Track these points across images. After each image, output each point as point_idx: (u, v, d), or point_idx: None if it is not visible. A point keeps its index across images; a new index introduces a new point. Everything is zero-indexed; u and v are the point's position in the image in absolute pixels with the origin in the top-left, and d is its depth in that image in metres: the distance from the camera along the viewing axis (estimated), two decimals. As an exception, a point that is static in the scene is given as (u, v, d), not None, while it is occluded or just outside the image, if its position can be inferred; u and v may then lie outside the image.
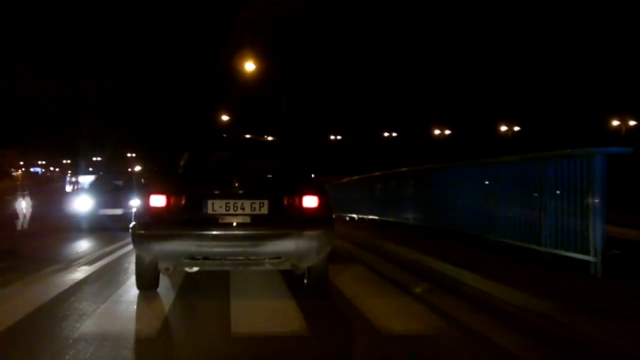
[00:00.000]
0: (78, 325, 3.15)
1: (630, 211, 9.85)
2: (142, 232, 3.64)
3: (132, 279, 4.30)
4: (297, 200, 3.72)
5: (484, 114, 37.05)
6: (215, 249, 3.64)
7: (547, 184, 4.63)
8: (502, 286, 3.82)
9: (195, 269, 3.87)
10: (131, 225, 3.75)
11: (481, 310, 3.55)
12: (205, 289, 4.35)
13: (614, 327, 2.88)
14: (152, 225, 3.62)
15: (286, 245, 3.62)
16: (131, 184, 10.90)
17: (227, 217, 3.65)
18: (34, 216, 10.25)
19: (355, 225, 10.17)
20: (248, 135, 5.16)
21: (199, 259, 3.69)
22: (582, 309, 3.15)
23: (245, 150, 4.70)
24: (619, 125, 32.38)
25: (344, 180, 13.61)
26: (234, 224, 3.66)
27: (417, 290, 4.24)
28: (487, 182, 5.94)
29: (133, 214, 4.07)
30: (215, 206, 3.66)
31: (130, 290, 4.21)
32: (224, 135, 5.52)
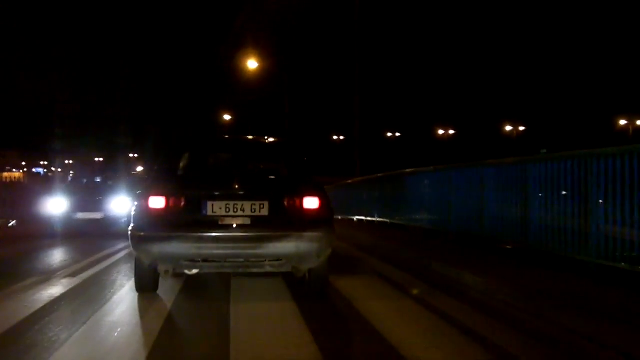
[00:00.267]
0: (46, 357, 2.62)
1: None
2: (141, 234, 3.61)
3: (118, 295, 3.93)
4: (297, 201, 3.71)
5: (488, 114, 36.59)
6: (215, 251, 3.61)
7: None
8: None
9: (195, 271, 3.83)
10: (130, 227, 3.72)
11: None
12: (203, 312, 3.58)
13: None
14: (151, 227, 3.60)
15: (287, 247, 3.60)
16: (118, 183, 9.76)
17: (227, 218, 3.62)
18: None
19: (369, 230, 9.45)
20: (248, 136, 5.14)
21: (198, 261, 3.66)
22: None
23: (245, 151, 4.65)
24: (626, 125, 31.85)
25: (350, 181, 13.08)
26: (234, 225, 3.62)
27: None
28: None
29: (131, 216, 3.83)
30: (215, 207, 3.62)
31: (115, 309, 3.64)
32: (224, 137, 5.49)
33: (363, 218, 11.30)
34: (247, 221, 3.63)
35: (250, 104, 29.11)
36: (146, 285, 3.88)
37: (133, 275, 4.04)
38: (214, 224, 3.59)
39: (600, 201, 3.97)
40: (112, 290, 4.23)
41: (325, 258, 3.83)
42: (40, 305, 3.71)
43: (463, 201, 6.44)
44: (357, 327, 3.22)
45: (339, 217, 12.72)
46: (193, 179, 4.12)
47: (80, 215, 8.57)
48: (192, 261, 3.65)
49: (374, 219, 10.47)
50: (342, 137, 40.67)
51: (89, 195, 9.10)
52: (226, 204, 3.61)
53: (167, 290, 4.11)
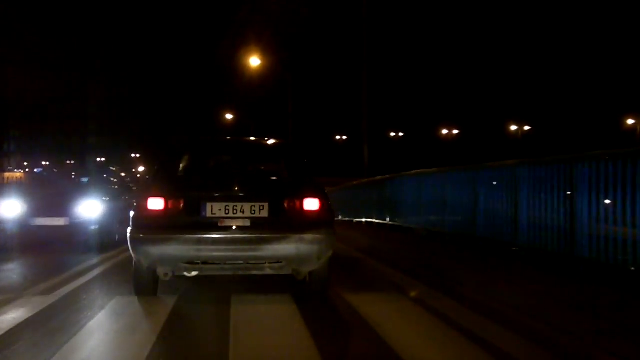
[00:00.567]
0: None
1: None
2: (140, 236, 3.62)
3: (94, 322, 3.30)
4: (297, 203, 3.72)
5: (493, 113, 36.47)
6: (215, 253, 3.62)
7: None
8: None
9: (194, 273, 3.83)
10: (128, 230, 3.72)
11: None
12: (197, 342, 3.03)
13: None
14: (150, 229, 3.60)
15: (287, 249, 3.61)
16: (96, 182, 8.00)
17: (226, 220, 3.62)
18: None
19: (383, 236, 8.75)
20: (248, 137, 5.16)
21: (198, 263, 3.67)
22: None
23: (246, 152, 4.68)
24: (634, 124, 31.67)
25: (355, 182, 12.84)
26: (234, 227, 3.63)
27: None
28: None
29: (130, 218, 3.78)
30: (214, 209, 3.63)
31: (89, 340, 2.97)
32: (224, 138, 5.53)
33: (374, 220, 10.75)
34: (247, 223, 3.63)
35: (253, 103, 29.17)
36: (145, 288, 3.87)
37: (109, 301, 3.75)
38: (213, 225, 3.60)
39: None
40: (84, 316, 3.46)
41: (326, 260, 3.82)
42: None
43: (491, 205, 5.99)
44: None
45: (354, 220, 12.15)
46: (192, 181, 4.14)
47: (39, 222, 6.67)
48: (192, 263, 3.65)
49: (384, 221, 9.99)
50: (344, 137, 40.65)
51: (52, 196, 7.17)
52: (225, 206, 3.62)
53: (154, 314, 3.48)
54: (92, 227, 6.76)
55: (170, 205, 3.61)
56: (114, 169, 9.87)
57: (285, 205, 3.71)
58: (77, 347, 2.84)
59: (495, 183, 6.06)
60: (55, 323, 3.29)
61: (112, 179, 9.15)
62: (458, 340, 2.97)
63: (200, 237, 3.57)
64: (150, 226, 3.60)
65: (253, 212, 3.64)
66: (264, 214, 3.65)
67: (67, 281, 4.65)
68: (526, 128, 35.65)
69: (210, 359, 2.71)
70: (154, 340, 2.92)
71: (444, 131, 38.81)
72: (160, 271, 3.75)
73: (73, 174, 9.29)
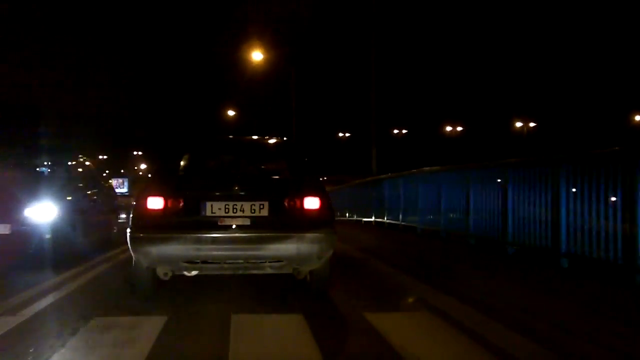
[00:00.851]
0: None
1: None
2: (139, 235, 3.61)
3: (66, 349, 2.79)
4: (298, 202, 3.70)
5: (498, 109, 36.45)
6: (215, 252, 3.61)
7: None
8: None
9: (194, 273, 3.81)
10: (128, 229, 3.71)
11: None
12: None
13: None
14: (149, 228, 3.60)
15: (287, 248, 3.60)
16: (52, 178, 6.48)
17: (226, 219, 3.62)
18: None
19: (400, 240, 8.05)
20: (248, 136, 5.16)
21: (197, 263, 3.66)
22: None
23: (246, 151, 4.68)
24: (640, 121, 31.54)
25: (368, 179, 11.94)
26: (234, 226, 3.62)
27: None
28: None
29: (130, 218, 3.72)
30: (214, 208, 3.63)
31: None
32: (224, 137, 5.54)
33: (384, 220, 10.06)
34: (247, 222, 3.63)
35: (256, 100, 29.34)
36: (145, 288, 3.87)
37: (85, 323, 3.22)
38: (213, 224, 3.60)
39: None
40: (55, 342, 2.86)
41: (327, 259, 3.83)
42: None
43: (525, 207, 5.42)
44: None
45: (362, 220, 11.55)
46: (192, 179, 4.13)
47: None
48: (191, 262, 3.64)
49: (397, 222, 9.39)
50: (347, 134, 40.77)
51: None
52: (225, 205, 3.61)
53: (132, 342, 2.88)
54: (43, 235, 5.26)
55: (169, 204, 3.60)
56: (82, 158, 7.56)
57: (286, 204, 3.70)
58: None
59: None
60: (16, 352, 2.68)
61: (79, 172, 7.19)
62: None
63: (200, 236, 3.56)
64: (150, 225, 3.60)
65: (253, 211, 3.64)
66: (264, 213, 3.65)
67: (30, 302, 3.80)
68: (532, 125, 35.62)
69: None
70: None
71: (448, 128, 38.84)
72: (160, 271, 3.74)
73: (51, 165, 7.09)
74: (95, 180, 7.70)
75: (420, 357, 2.65)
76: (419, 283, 4.52)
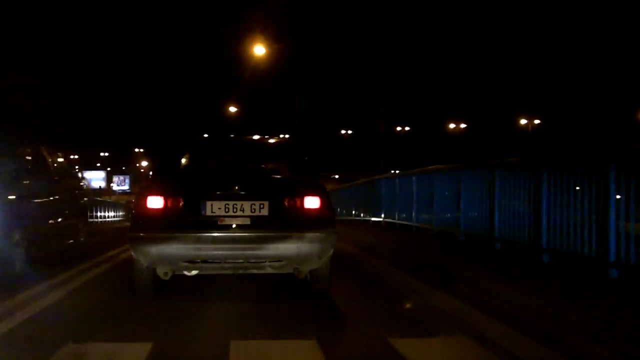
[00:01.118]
0: None
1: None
2: (139, 234, 3.63)
3: None
4: (298, 201, 3.72)
5: (502, 106, 35.98)
6: (215, 252, 3.63)
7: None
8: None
9: (194, 272, 3.83)
10: (128, 228, 3.74)
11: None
12: None
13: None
14: (149, 228, 3.61)
15: (287, 247, 3.62)
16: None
17: (226, 218, 3.62)
18: None
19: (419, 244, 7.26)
20: (248, 136, 5.19)
21: (197, 262, 3.67)
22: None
23: (246, 151, 4.70)
24: (648, 119, 31.05)
25: (376, 177, 11.18)
26: (234, 225, 3.63)
27: None
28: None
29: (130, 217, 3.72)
30: (214, 207, 3.62)
31: None
32: (225, 136, 5.57)
33: (395, 221, 9.46)
34: (247, 221, 3.64)
35: (258, 95, 28.87)
36: (145, 288, 3.89)
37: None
38: (213, 224, 3.60)
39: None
40: None
41: (327, 259, 3.84)
42: None
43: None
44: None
45: (371, 220, 10.83)
46: (192, 179, 4.15)
47: None
48: (191, 262, 3.66)
49: (409, 222, 8.78)
50: (349, 132, 40.34)
51: None
52: (225, 204, 3.61)
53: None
54: None
55: (169, 204, 3.62)
56: (42, 148, 5.75)
57: (286, 203, 3.72)
58: None
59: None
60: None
61: (28, 164, 5.50)
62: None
63: (200, 236, 3.57)
64: (150, 225, 3.62)
65: (253, 210, 3.64)
66: (264, 212, 3.66)
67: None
68: (536, 122, 35.08)
69: None
70: None
71: (451, 125, 38.36)
72: (160, 270, 3.76)
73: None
74: (57, 174, 6.11)
75: None
76: (449, 298, 3.92)
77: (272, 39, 17.22)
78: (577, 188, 4.41)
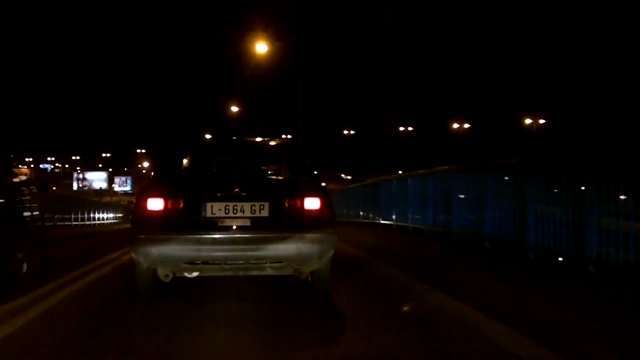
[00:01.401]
0: None
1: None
2: (140, 236, 3.65)
3: None
4: (298, 202, 3.75)
5: (506, 106, 35.89)
6: (215, 253, 3.65)
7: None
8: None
9: (195, 274, 3.86)
10: (129, 230, 3.78)
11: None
12: None
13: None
14: (149, 229, 3.64)
15: (287, 248, 3.64)
16: None
17: (226, 220, 3.64)
18: None
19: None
20: (249, 137, 5.21)
21: (198, 264, 3.71)
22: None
23: (246, 152, 4.73)
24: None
25: (384, 178, 10.81)
26: (234, 227, 3.66)
27: None
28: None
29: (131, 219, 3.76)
30: (214, 209, 3.65)
31: None
32: (225, 138, 5.61)
33: (408, 225, 8.83)
34: (247, 222, 3.66)
35: (260, 94, 28.87)
36: (146, 290, 3.91)
37: None
38: (213, 225, 3.62)
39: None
40: None
41: (328, 260, 3.86)
42: None
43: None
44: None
45: (380, 222, 10.33)
46: (192, 180, 4.18)
47: None
48: (192, 263, 3.69)
49: (424, 226, 8.07)
50: (352, 132, 40.34)
51: None
52: (226, 205, 3.64)
53: None
54: None
55: (170, 205, 3.65)
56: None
57: (286, 204, 3.74)
58: None
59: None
60: None
61: None
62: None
63: (200, 237, 3.59)
64: (150, 226, 3.64)
65: (253, 211, 3.66)
66: (265, 213, 3.68)
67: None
68: (541, 121, 34.97)
69: None
70: None
71: (455, 125, 38.31)
72: (161, 272, 3.79)
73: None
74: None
75: None
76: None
77: (274, 37, 17.15)
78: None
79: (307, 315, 3.67)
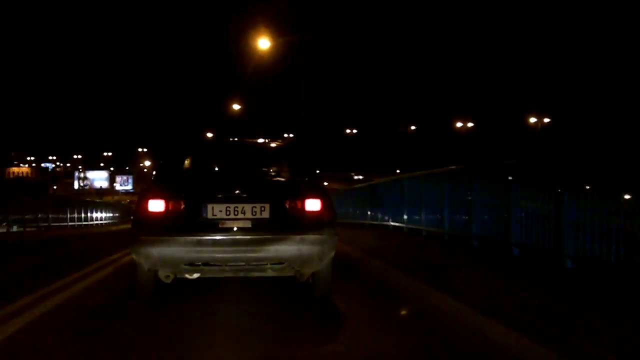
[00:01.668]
0: None
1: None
2: (141, 237, 3.68)
3: None
4: (299, 203, 3.77)
5: (510, 105, 35.80)
6: (216, 255, 3.67)
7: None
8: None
9: (195, 275, 3.89)
10: (130, 231, 3.81)
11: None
12: None
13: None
14: (150, 230, 3.66)
15: (288, 249, 3.66)
16: None
17: (227, 221, 3.67)
18: None
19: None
20: (250, 138, 5.24)
21: (199, 265, 3.73)
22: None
23: (247, 153, 4.79)
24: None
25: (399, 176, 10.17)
26: (235, 228, 3.68)
27: None
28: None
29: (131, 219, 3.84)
30: (215, 210, 3.68)
31: None
32: (226, 139, 5.65)
33: (422, 228, 8.23)
34: (248, 224, 3.68)
35: (262, 92, 28.88)
36: (147, 291, 3.94)
37: None
38: (214, 226, 3.65)
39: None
40: None
41: (329, 261, 3.88)
42: None
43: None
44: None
45: (391, 225, 9.75)
46: (193, 182, 4.20)
47: None
48: (193, 265, 3.72)
49: (440, 230, 7.45)
50: (354, 131, 40.33)
51: None
52: (226, 207, 3.66)
53: None
54: None
55: (170, 207, 3.67)
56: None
57: (287, 206, 3.76)
58: None
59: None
60: None
61: None
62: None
63: (201, 239, 3.62)
64: (151, 228, 3.66)
65: (254, 213, 3.69)
66: (265, 215, 3.70)
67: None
68: (546, 120, 34.86)
69: None
70: None
71: (459, 124, 38.25)
72: (162, 273, 3.81)
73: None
74: None
75: None
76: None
77: (277, 34, 17.04)
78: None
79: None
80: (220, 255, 3.65)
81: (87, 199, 25.02)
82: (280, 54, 17.84)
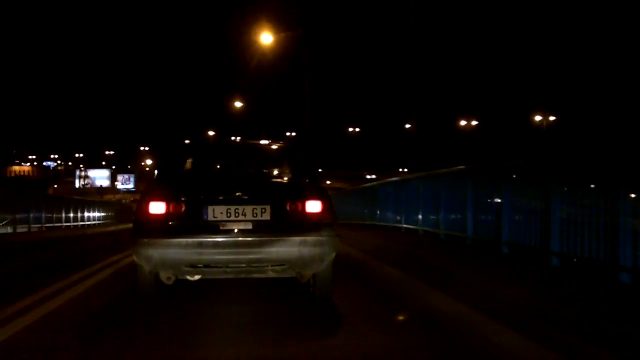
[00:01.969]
0: None
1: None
2: (142, 239, 3.72)
3: None
4: (299, 205, 3.81)
5: (515, 103, 35.70)
6: (217, 256, 3.71)
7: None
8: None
9: (197, 277, 3.94)
10: (131, 233, 3.84)
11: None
12: None
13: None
14: (151, 233, 3.70)
15: (289, 251, 3.70)
16: None
17: (228, 223, 3.71)
18: None
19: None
20: (251, 140, 5.30)
21: (200, 267, 3.78)
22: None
23: (248, 155, 4.80)
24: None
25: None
26: (236, 230, 3.72)
27: None
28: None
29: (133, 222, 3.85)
30: (216, 212, 3.72)
31: None
32: (227, 141, 5.80)
33: (440, 231, 7.86)
34: (249, 226, 3.72)
35: (265, 88, 28.88)
36: (148, 292, 3.98)
37: None
38: (215, 228, 3.69)
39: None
40: None
41: (330, 262, 3.92)
42: None
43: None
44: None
45: (403, 228, 9.54)
46: (194, 183, 4.25)
47: None
48: (194, 267, 3.76)
49: (461, 234, 7.06)
50: (357, 129, 40.32)
51: None
52: (227, 209, 3.70)
53: None
54: None
55: (171, 209, 3.71)
56: None
57: (288, 207, 3.80)
58: None
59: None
60: None
61: None
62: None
63: (202, 241, 3.65)
64: (152, 230, 3.70)
65: (255, 214, 3.73)
66: (266, 216, 3.74)
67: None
68: (552, 118, 34.75)
69: None
70: None
71: (462, 122, 38.19)
72: (163, 275, 3.87)
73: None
74: None
75: None
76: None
77: (280, 29, 16.92)
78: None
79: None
80: (221, 257, 3.69)
81: (88, 199, 25.06)
82: (283, 50, 17.72)
